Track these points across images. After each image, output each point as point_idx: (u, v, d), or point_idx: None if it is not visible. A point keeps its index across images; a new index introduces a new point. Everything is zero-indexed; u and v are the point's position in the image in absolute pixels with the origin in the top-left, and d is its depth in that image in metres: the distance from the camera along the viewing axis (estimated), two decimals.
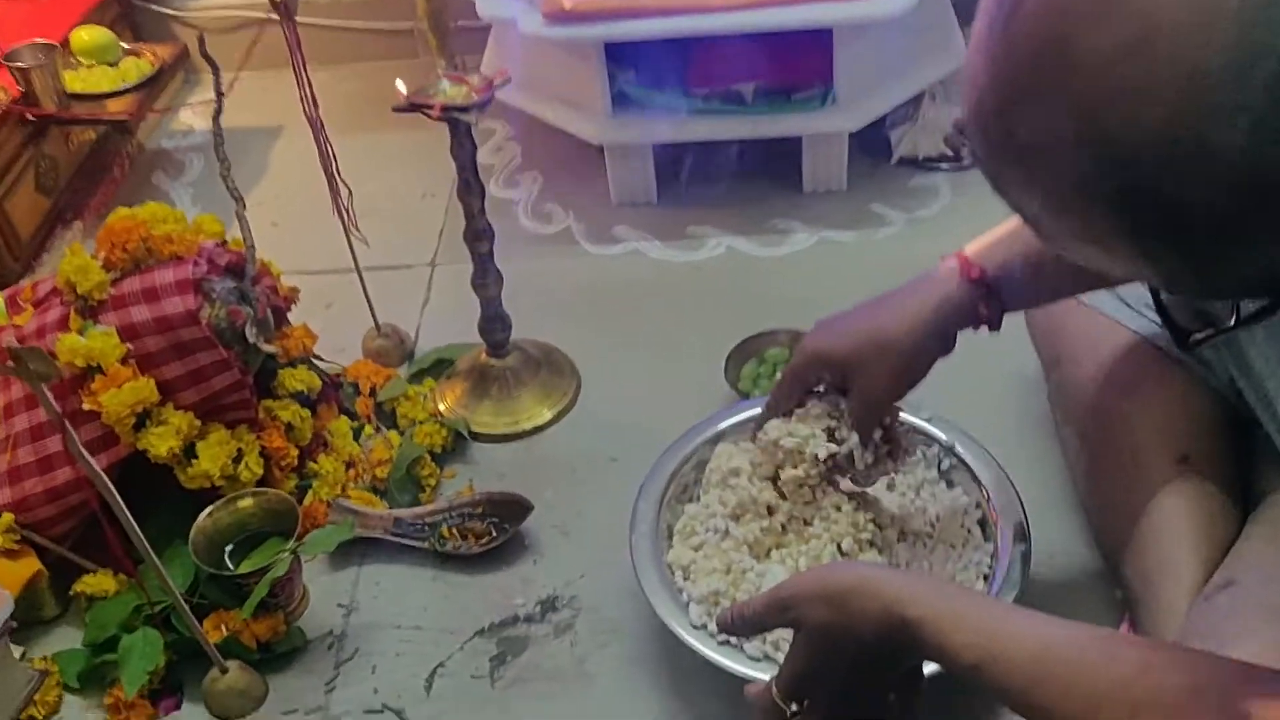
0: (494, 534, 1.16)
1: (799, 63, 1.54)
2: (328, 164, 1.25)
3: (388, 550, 1.19)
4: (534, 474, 1.26)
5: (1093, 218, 0.50)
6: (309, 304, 1.32)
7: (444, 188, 1.71)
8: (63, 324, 1.10)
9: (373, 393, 1.34)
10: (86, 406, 1.07)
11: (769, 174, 1.66)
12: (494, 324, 1.31)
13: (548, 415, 1.33)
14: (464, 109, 1.10)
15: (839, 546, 1.00)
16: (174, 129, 1.95)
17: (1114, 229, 0.50)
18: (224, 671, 1.05)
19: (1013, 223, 0.91)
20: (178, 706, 1.07)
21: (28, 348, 0.81)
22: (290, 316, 1.27)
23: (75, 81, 1.70)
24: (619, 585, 1.11)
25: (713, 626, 0.97)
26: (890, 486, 1.06)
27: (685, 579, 1.03)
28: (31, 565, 1.11)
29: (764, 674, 0.88)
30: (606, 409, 1.34)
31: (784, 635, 0.92)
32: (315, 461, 1.22)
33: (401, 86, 1.11)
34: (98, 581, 1.12)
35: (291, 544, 1.08)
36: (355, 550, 1.19)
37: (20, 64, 1.61)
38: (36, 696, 1.05)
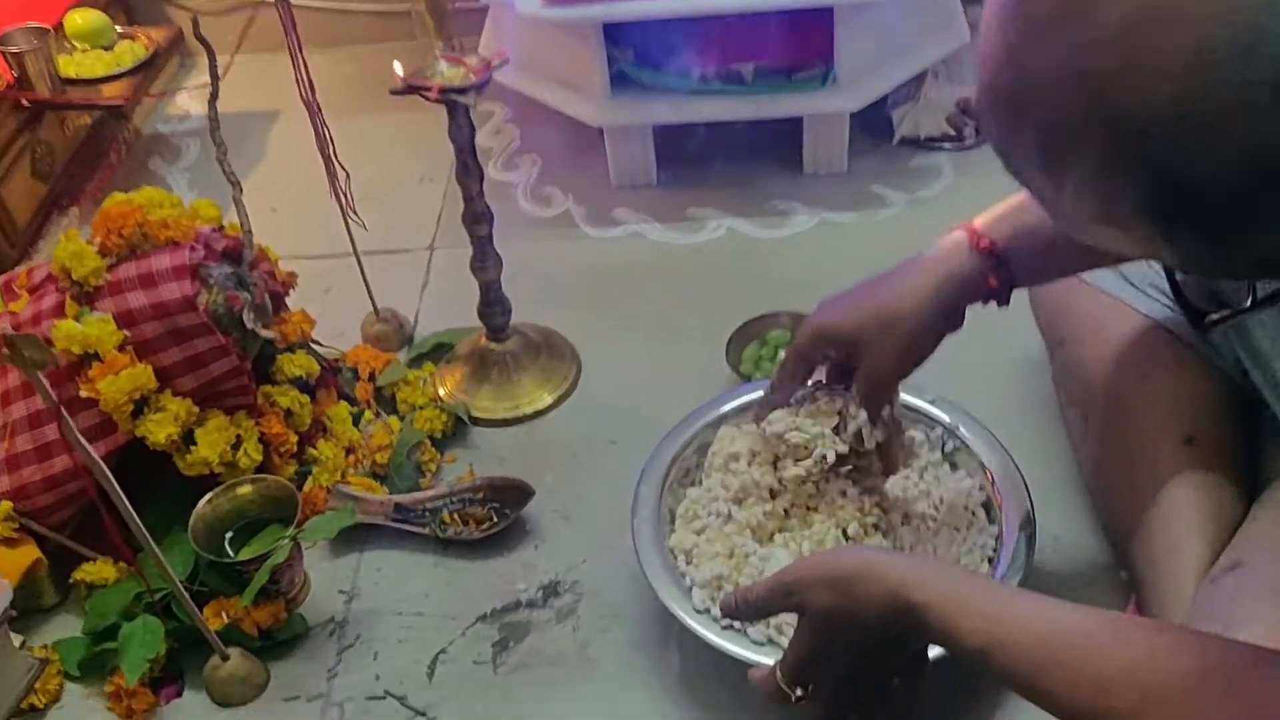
0: (495, 519, 1.16)
1: (799, 42, 1.53)
2: (325, 148, 1.25)
3: (389, 536, 1.18)
4: (535, 458, 1.25)
5: (1106, 197, 0.50)
6: (307, 289, 1.31)
7: (442, 171, 1.70)
8: (59, 310, 1.10)
9: (372, 378, 1.33)
10: (84, 394, 1.07)
11: (769, 155, 1.65)
12: (493, 308, 1.30)
13: (548, 399, 1.32)
14: (462, 90, 1.09)
15: (844, 531, 0.99)
16: (170, 114, 1.94)
17: (1127, 209, 0.50)
18: (225, 659, 1.05)
19: (1021, 195, 0.89)
20: (179, 694, 1.07)
21: (23, 335, 0.80)
22: (289, 301, 1.26)
23: (69, 66, 1.68)
24: (621, 570, 1.10)
25: (716, 611, 0.97)
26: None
27: (688, 563, 1.02)
28: (31, 553, 1.11)
29: (768, 658, 0.88)
30: (607, 393, 1.33)
31: (788, 619, 0.92)
32: (315, 447, 1.22)
33: (399, 69, 1.10)
34: (97, 569, 1.11)
35: (292, 530, 1.08)
36: (356, 536, 1.19)
37: (13, 48, 1.60)
38: (37, 685, 1.05)
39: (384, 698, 1.05)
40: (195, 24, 1.06)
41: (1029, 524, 1.00)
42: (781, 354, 1.24)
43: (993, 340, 1.15)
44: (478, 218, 1.22)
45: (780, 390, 1.00)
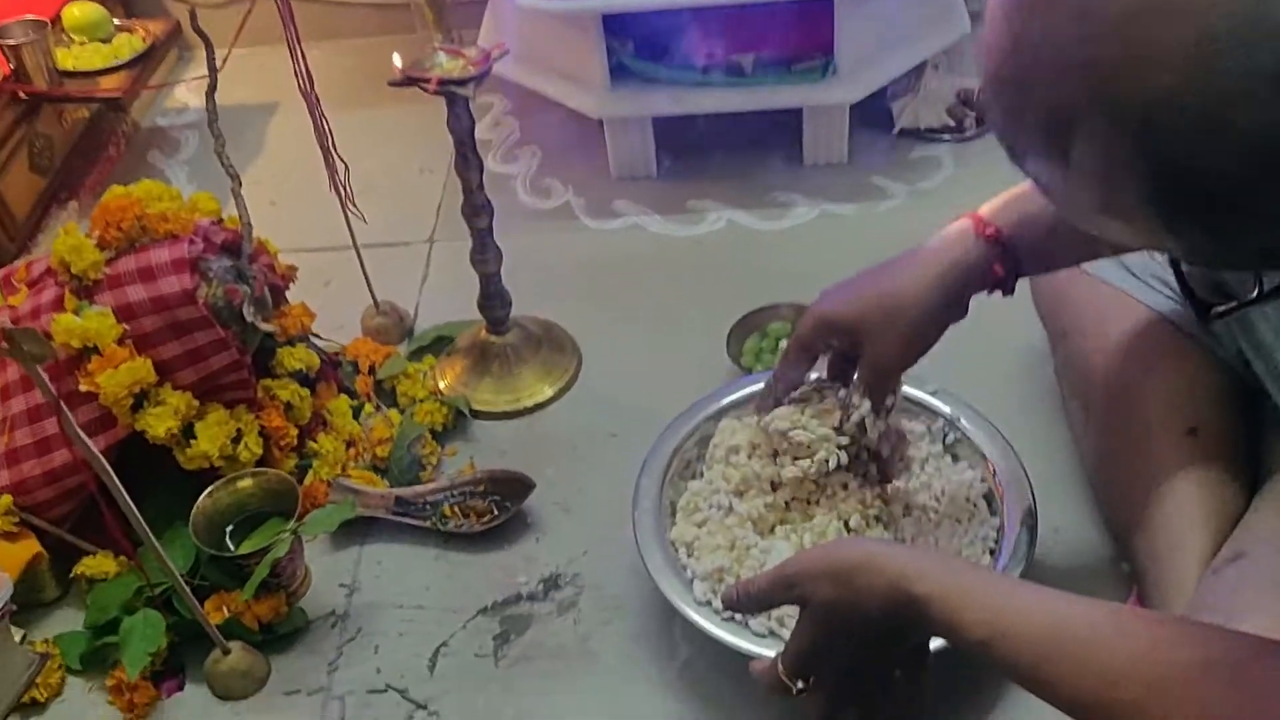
0: (496, 512, 1.16)
1: (799, 33, 1.52)
2: (324, 140, 1.24)
3: (389, 529, 1.18)
4: (535, 451, 1.25)
5: (1109, 188, 0.50)
6: (307, 282, 1.31)
7: (441, 163, 1.69)
8: (58, 304, 1.09)
9: (372, 371, 1.33)
10: (83, 388, 1.06)
11: (769, 147, 1.64)
12: (493, 300, 1.30)
13: (549, 392, 1.32)
14: (461, 82, 1.09)
15: (845, 523, 0.99)
16: (169, 106, 1.94)
17: (1130, 199, 0.50)
18: (226, 653, 1.05)
19: (1026, 184, 0.89)
20: (180, 688, 1.07)
21: (22, 329, 0.80)
22: (288, 295, 1.26)
23: (67, 59, 1.68)
24: (622, 563, 1.10)
25: (717, 603, 0.97)
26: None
27: (689, 556, 1.02)
28: (31, 548, 1.11)
29: (769, 650, 0.88)
30: (608, 385, 1.33)
31: (789, 611, 0.92)
32: (315, 441, 1.22)
33: (397, 61, 1.10)
34: (98, 563, 1.11)
35: (292, 524, 1.08)
36: (357, 530, 1.19)
37: (11, 41, 1.59)
38: (39, 679, 1.05)
39: (385, 691, 1.05)
40: (193, 16, 1.06)
41: (1030, 516, 1.00)
42: (783, 344, 1.23)
43: (994, 332, 1.14)
44: (477, 210, 1.22)
45: (782, 380, 1.00)
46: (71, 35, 1.72)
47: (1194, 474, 0.92)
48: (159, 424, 1.08)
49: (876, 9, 1.51)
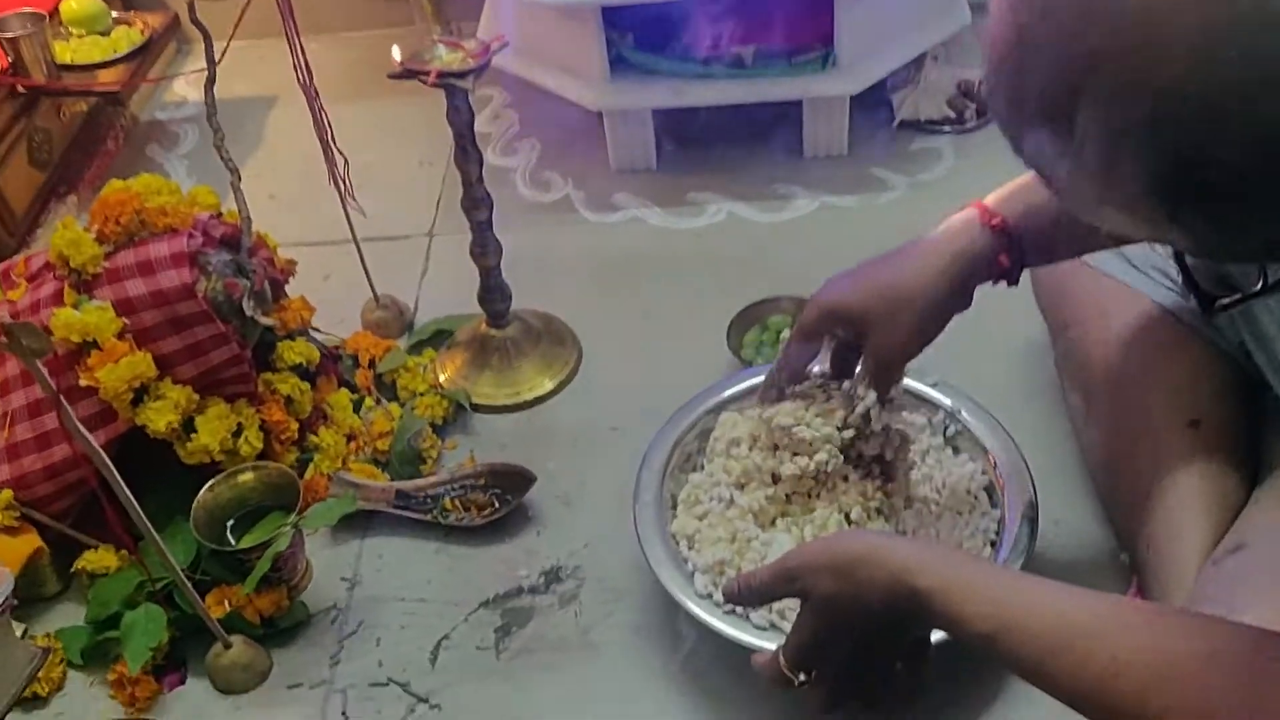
0: (497, 505, 1.16)
1: (799, 25, 1.52)
2: (323, 134, 1.24)
3: (390, 523, 1.18)
4: (536, 445, 1.25)
5: (1112, 179, 0.50)
6: (306, 276, 1.30)
7: (441, 156, 1.69)
8: (57, 299, 1.09)
9: (372, 364, 1.33)
10: (83, 382, 1.06)
11: (769, 139, 1.64)
12: (493, 294, 1.30)
13: (549, 385, 1.32)
14: (460, 74, 1.08)
15: (846, 515, 0.99)
16: (167, 100, 1.93)
17: (1134, 190, 0.49)
18: (228, 646, 1.05)
19: (1030, 175, 0.89)
20: (182, 682, 1.07)
21: (21, 323, 0.79)
22: (288, 288, 1.26)
23: (65, 52, 1.67)
24: (623, 555, 1.10)
25: (718, 596, 0.97)
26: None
27: (690, 548, 1.02)
28: (32, 542, 1.11)
29: (770, 643, 0.88)
30: (608, 378, 1.33)
31: (790, 604, 0.92)
32: (315, 434, 1.22)
33: (397, 53, 1.10)
34: (99, 558, 1.11)
35: (293, 518, 1.07)
36: (358, 523, 1.19)
37: (9, 34, 1.59)
38: (40, 674, 1.05)
39: (387, 684, 1.06)
40: (191, 9, 1.06)
41: (1031, 508, 1.00)
42: (785, 334, 1.23)
43: (995, 324, 1.14)
44: (477, 202, 1.21)
45: (785, 369, 0.99)
46: (69, 28, 1.71)
47: (1195, 466, 0.91)
48: (159, 418, 1.08)
49: (876, 0, 1.51)
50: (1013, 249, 0.89)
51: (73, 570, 1.12)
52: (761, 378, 1.04)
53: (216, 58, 1.07)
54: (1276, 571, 0.81)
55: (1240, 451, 0.93)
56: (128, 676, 1.04)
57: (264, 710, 1.05)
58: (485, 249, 1.25)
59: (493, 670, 1.06)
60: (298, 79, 1.20)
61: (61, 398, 0.84)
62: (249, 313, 1.14)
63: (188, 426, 1.11)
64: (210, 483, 1.10)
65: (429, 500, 1.17)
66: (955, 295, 0.90)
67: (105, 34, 1.72)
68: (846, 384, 0.99)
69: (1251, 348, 0.91)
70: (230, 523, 1.12)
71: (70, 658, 1.08)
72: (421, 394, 1.28)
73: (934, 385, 1.10)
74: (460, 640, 1.08)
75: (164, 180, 1.16)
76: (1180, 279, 0.62)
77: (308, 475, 1.18)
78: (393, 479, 1.21)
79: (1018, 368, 1.25)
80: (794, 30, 1.52)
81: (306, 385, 1.22)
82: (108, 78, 1.67)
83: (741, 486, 1.02)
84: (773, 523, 1.01)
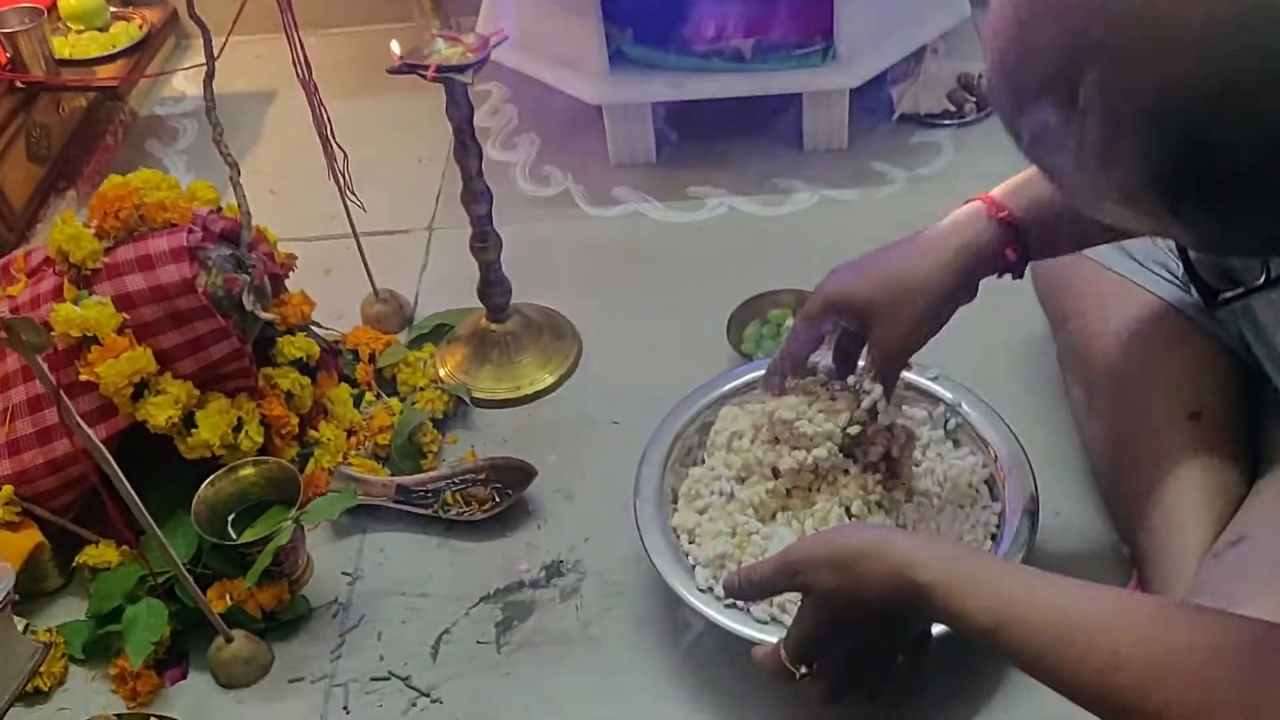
0: (497, 499, 1.16)
1: (799, 18, 1.52)
2: (322, 128, 1.24)
3: (391, 518, 1.18)
4: (536, 439, 1.25)
5: (1115, 173, 0.50)
6: (307, 270, 1.30)
7: (440, 151, 1.69)
8: (57, 294, 1.09)
9: (372, 359, 1.33)
10: (83, 377, 1.06)
11: (769, 132, 1.64)
12: (494, 288, 1.30)
13: (549, 379, 1.32)
14: (459, 69, 1.08)
15: (847, 509, 0.99)
16: (166, 95, 1.93)
17: (1137, 184, 0.49)
18: (229, 641, 1.05)
19: (1034, 169, 0.89)
20: (183, 676, 1.07)
21: (20, 318, 0.79)
22: (288, 283, 1.26)
23: (64, 47, 1.67)
24: (624, 549, 1.10)
25: (719, 589, 0.97)
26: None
27: (690, 542, 1.02)
28: (33, 537, 1.11)
29: (771, 636, 0.88)
30: (609, 372, 1.33)
31: (791, 597, 0.92)
32: (316, 429, 1.22)
33: (396, 48, 1.10)
34: (100, 553, 1.11)
35: (294, 512, 1.08)
36: (359, 518, 1.19)
37: (7, 28, 1.59)
38: (42, 668, 1.05)
39: (388, 678, 1.06)
40: (190, 4, 1.05)
41: (1032, 501, 1.00)
42: (787, 325, 1.23)
43: (996, 317, 1.14)
44: (477, 197, 1.21)
45: (788, 359, 0.99)
46: (68, 23, 1.71)
47: (1196, 459, 0.92)
48: (160, 413, 1.08)
49: None
50: (1019, 242, 0.88)
51: (74, 565, 1.13)
52: (762, 372, 1.04)
53: (215, 53, 1.07)
54: (1277, 564, 0.81)
55: (1241, 444, 0.93)
56: (129, 671, 1.04)
57: (266, 704, 1.05)
58: (485, 243, 1.25)
59: (494, 664, 1.06)
60: (297, 74, 1.19)
61: (62, 393, 0.84)
62: (249, 307, 1.14)
63: (188, 421, 1.11)
64: (211, 477, 1.10)
65: (430, 495, 1.17)
66: (961, 287, 0.90)
67: (104, 29, 1.72)
68: (851, 379, 0.99)
69: (1250, 340, 0.91)
70: (231, 517, 1.12)
71: (72, 652, 1.08)
72: (422, 388, 1.28)
73: (935, 378, 1.10)
74: (461, 634, 1.08)
75: (163, 175, 1.16)
76: (1182, 272, 0.62)
77: (308, 470, 1.18)
78: (393, 473, 1.21)
79: (1019, 361, 1.25)
80: (794, 24, 1.52)
81: (307, 380, 1.22)
82: (106, 73, 1.67)
83: (742, 480, 1.02)
84: (773, 517, 1.01)
